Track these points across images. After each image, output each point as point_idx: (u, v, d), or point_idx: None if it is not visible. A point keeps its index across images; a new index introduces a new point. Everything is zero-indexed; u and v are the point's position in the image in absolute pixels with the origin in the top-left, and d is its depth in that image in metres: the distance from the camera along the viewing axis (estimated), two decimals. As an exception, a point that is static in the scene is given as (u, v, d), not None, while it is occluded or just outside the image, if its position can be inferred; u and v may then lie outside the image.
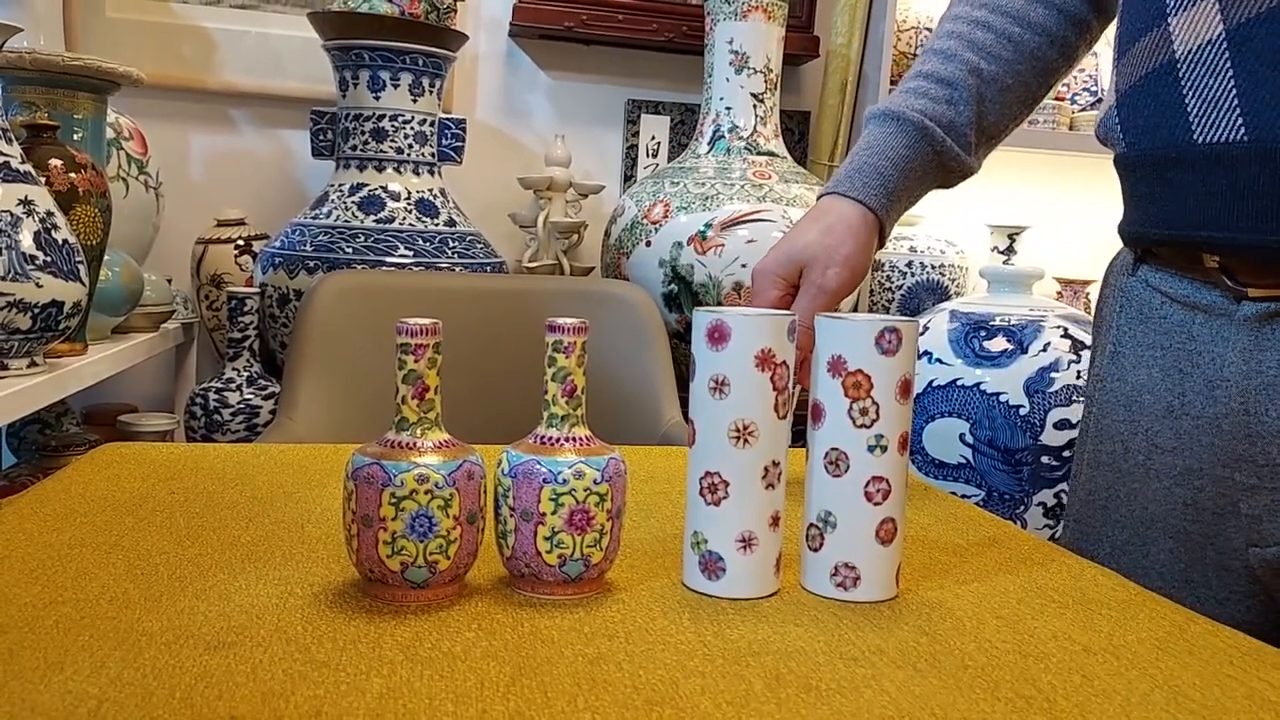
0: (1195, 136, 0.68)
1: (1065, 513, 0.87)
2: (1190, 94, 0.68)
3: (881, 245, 0.84)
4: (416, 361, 0.56)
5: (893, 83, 1.94)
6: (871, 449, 0.60)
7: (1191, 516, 0.73)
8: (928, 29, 2.00)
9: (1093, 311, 0.86)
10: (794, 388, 0.62)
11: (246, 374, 1.60)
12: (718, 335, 0.59)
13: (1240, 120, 0.65)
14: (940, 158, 0.83)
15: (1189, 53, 0.68)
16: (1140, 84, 0.72)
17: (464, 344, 1.44)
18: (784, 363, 0.60)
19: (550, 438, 0.59)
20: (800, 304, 0.78)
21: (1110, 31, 0.85)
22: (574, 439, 0.59)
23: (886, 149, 0.82)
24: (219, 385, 1.58)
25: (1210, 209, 0.68)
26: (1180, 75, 0.69)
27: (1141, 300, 0.77)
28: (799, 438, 0.87)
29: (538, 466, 0.57)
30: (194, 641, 0.49)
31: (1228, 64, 0.66)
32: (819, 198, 0.84)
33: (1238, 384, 0.69)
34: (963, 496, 1.56)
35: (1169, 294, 0.75)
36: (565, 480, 0.57)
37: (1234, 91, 0.65)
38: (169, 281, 1.65)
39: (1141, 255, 0.79)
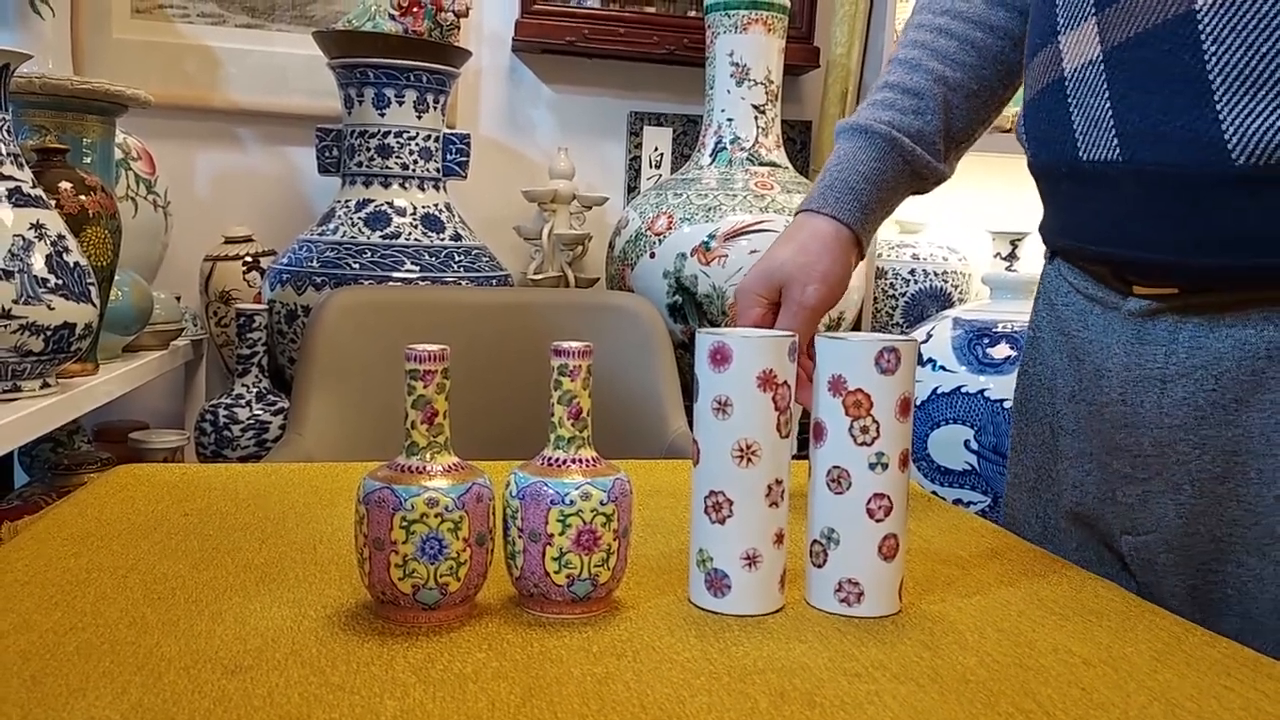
0: (1080, 154, 0.70)
1: (1003, 497, 0.89)
2: (1076, 112, 0.70)
3: (861, 257, 0.85)
4: (425, 387, 0.57)
5: (893, 91, 1.94)
6: (873, 466, 0.61)
7: (1097, 498, 0.76)
8: (927, 37, 2.01)
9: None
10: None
11: (255, 390, 1.62)
12: (720, 357, 0.60)
13: (1116, 141, 0.67)
14: (911, 167, 0.84)
15: (1074, 71, 0.70)
16: (1038, 97, 0.75)
17: (470, 357, 1.46)
18: (785, 383, 0.61)
19: (557, 459, 0.60)
20: (783, 322, 0.80)
21: None
22: (580, 460, 0.60)
23: (857, 163, 0.83)
24: (228, 401, 1.60)
25: (1098, 223, 0.71)
26: (1068, 93, 0.71)
27: (1053, 289, 0.81)
28: (802, 443, 0.89)
29: (545, 488, 0.58)
30: (212, 665, 0.51)
31: (1104, 85, 0.67)
32: (795, 214, 0.86)
33: (1118, 375, 0.71)
34: (968, 503, 1.57)
35: (1073, 284, 0.78)
36: (572, 501, 0.58)
37: (1110, 113, 0.67)
38: (178, 299, 1.66)
39: (1055, 250, 0.82)
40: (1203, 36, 0.61)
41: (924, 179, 0.86)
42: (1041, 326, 0.82)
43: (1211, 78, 0.61)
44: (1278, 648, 0.65)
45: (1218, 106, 0.61)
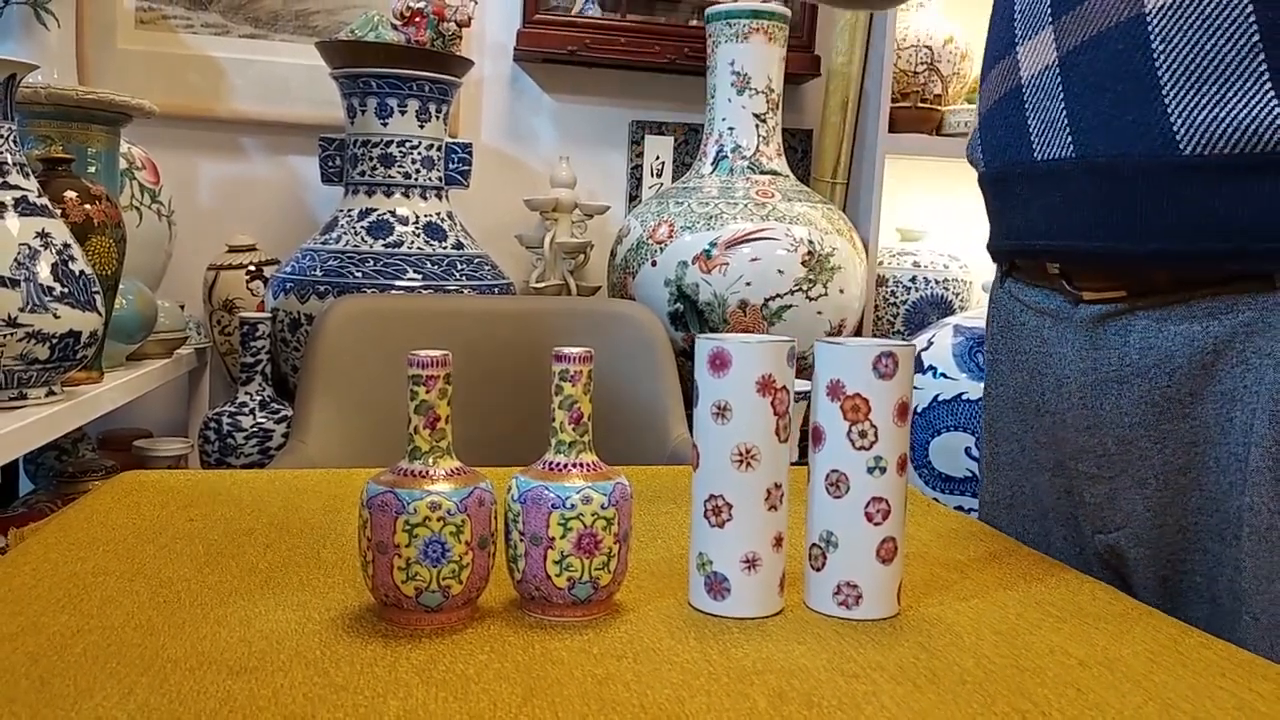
0: (1036, 155, 0.74)
1: (978, 517, 0.92)
2: (1031, 116, 0.74)
3: None
4: (428, 392, 0.58)
5: (893, 100, 1.96)
6: (871, 470, 0.62)
7: (1072, 503, 0.79)
8: (927, 46, 2.02)
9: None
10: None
11: (259, 398, 1.62)
12: (719, 362, 0.61)
13: (1070, 139, 0.71)
14: None
15: (1031, 78, 0.74)
16: (995, 107, 0.79)
17: (473, 365, 1.46)
18: (784, 388, 0.61)
19: (558, 464, 0.61)
20: None
21: None
22: (581, 465, 0.61)
23: None
24: (232, 409, 1.61)
25: (1049, 220, 0.74)
26: (1025, 99, 0.75)
27: (1007, 311, 0.84)
28: (802, 450, 0.89)
29: (546, 492, 0.59)
30: (217, 667, 0.51)
31: (1059, 88, 0.72)
32: None
33: (1077, 381, 0.75)
34: (969, 510, 1.57)
35: (1026, 302, 0.81)
36: (573, 505, 0.59)
37: (1064, 113, 0.71)
38: (182, 308, 1.67)
39: (1007, 270, 0.85)
40: (1151, 37, 0.66)
41: None
42: (999, 350, 0.86)
43: (1160, 74, 0.65)
44: (1235, 630, 0.66)
45: (1166, 100, 0.65)
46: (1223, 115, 0.63)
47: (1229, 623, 0.67)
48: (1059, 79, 0.71)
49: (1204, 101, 0.64)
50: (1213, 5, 0.63)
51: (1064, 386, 0.76)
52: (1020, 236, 0.78)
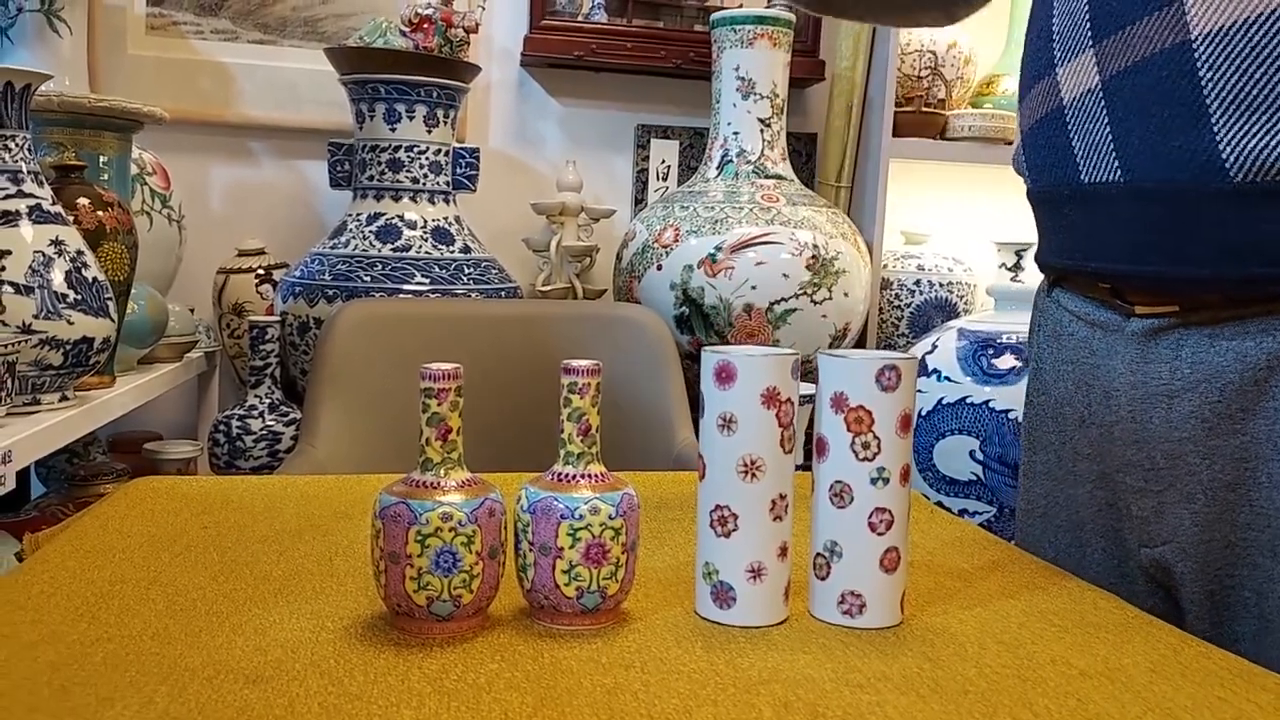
0: (1081, 177, 0.74)
1: (1015, 525, 0.92)
2: (1076, 138, 0.74)
3: None
4: (440, 405, 0.59)
5: (897, 104, 1.96)
6: (874, 481, 0.63)
7: (1116, 516, 0.79)
8: (931, 51, 2.03)
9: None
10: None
11: (268, 401, 1.63)
12: (725, 375, 0.62)
13: (1116, 162, 0.71)
14: None
15: (1073, 100, 0.74)
16: (1038, 126, 0.79)
17: (480, 368, 1.47)
18: (789, 400, 0.62)
19: (567, 474, 0.62)
20: None
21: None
22: (589, 475, 0.62)
23: None
24: (241, 412, 1.62)
25: (1097, 242, 0.74)
26: (1067, 120, 0.75)
27: (1055, 320, 0.84)
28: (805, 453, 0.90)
29: (555, 503, 0.60)
30: (234, 676, 0.52)
31: (1104, 112, 0.71)
32: None
33: (1126, 394, 0.75)
34: (974, 513, 1.58)
35: (1075, 312, 0.81)
36: (582, 516, 0.60)
37: (1109, 136, 0.71)
38: (192, 311, 1.68)
39: (1055, 279, 0.85)
40: (1198, 64, 0.65)
41: None
42: (1044, 358, 0.86)
43: (1208, 101, 0.65)
44: None
45: (1214, 127, 0.65)
46: (1272, 143, 0.63)
47: (1278, 640, 0.67)
48: (1102, 103, 0.71)
49: (1253, 129, 0.63)
50: (1261, 34, 0.63)
51: (1112, 399, 0.76)
52: (1070, 257, 0.78)
